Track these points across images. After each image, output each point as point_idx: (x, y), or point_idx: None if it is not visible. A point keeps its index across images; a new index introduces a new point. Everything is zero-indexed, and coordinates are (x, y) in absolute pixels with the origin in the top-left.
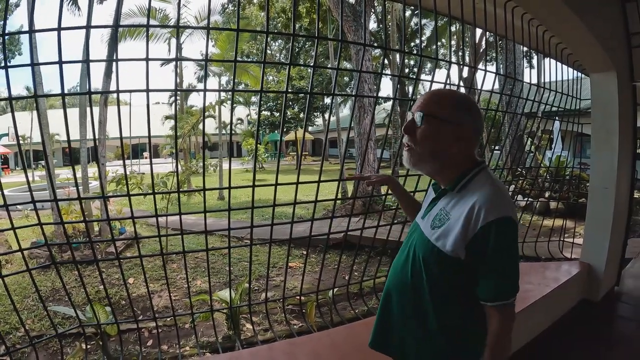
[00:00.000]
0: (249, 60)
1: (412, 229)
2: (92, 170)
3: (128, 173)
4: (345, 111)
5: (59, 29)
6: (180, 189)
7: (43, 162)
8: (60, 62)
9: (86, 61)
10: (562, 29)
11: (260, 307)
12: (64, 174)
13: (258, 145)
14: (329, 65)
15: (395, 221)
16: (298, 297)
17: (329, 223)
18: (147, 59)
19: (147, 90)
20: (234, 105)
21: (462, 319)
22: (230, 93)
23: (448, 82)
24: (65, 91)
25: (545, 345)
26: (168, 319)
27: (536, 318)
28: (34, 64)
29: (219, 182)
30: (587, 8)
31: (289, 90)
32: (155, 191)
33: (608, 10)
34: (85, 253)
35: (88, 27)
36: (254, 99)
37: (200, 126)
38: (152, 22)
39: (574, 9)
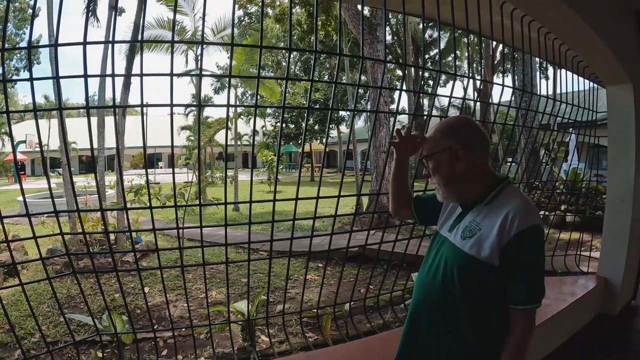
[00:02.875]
0: (271, 76)
1: (436, 243)
2: (108, 178)
3: (144, 182)
4: (359, 123)
5: (85, 42)
6: (197, 201)
7: (60, 170)
8: (85, 76)
9: (111, 75)
10: (578, 42)
11: (276, 319)
12: (80, 181)
13: (273, 156)
14: (344, 77)
15: (414, 235)
16: (315, 310)
17: (348, 237)
18: (171, 74)
19: (172, 105)
20: (251, 117)
21: (496, 324)
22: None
23: (465, 96)
24: (82, 101)
25: (563, 358)
26: (183, 330)
27: (553, 333)
28: (59, 77)
29: (234, 193)
30: (603, 21)
31: (310, 106)
32: (175, 203)
33: (623, 23)
34: (101, 261)
35: (112, 42)
36: (269, 110)
37: (216, 137)
38: (169, 34)
39: (590, 22)
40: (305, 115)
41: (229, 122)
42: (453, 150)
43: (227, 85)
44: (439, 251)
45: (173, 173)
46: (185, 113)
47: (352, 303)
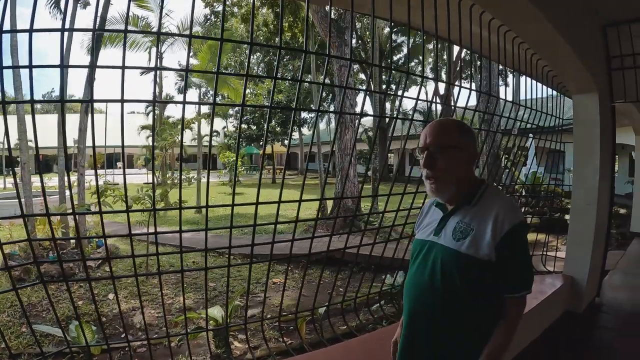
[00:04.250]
0: (230, 72)
1: (421, 249)
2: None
3: (102, 183)
4: (321, 125)
5: (31, 30)
6: (159, 205)
7: (17, 169)
8: (61, 66)
9: (60, 66)
10: (550, 52)
11: (248, 325)
12: (36, 181)
13: (235, 157)
14: (310, 78)
15: (382, 239)
16: (292, 315)
17: (329, 240)
18: (123, 67)
19: (122, 101)
20: (215, 118)
21: (491, 322)
22: (210, 106)
23: (433, 99)
24: (39, 97)
25: (532, 357)
26: (154, 338)
27: (524, 330)
28: (32, 66)
29: (197, 195)
30: (574, 33)
31: (273, 105)
32: (154, 207)
33: (591, 35)
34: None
35: (94, 30)
36: (231, 111)
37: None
38: (134, 30)
39: (563, 34)
40: (267, 116)
41: (192, 122)
42: (470, 150)
43: (192, 85)
44: (428, 256)
45: (153, 173)
46: (145, 112)
47: (327, 306)
